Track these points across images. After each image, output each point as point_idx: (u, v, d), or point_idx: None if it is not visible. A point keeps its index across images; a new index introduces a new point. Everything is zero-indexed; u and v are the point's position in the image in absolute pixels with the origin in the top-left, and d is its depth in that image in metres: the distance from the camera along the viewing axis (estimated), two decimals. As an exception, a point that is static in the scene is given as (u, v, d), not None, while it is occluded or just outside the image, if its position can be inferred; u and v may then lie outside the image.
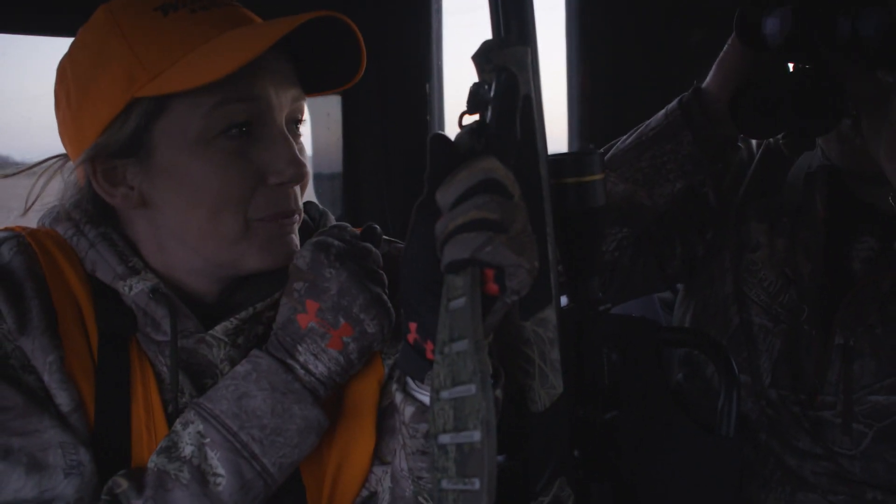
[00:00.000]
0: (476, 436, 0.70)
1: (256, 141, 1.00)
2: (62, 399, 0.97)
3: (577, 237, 0.93)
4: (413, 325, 0.83)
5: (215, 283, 1.07)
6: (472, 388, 0.71)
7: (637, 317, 1.17)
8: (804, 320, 1.46)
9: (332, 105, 2.07)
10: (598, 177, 0.92)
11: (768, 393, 1.47)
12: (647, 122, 1.46)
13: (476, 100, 0.82)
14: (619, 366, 0.99)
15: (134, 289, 1.02)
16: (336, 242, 1.02)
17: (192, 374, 1.04)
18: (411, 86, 2.15)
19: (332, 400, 1.04)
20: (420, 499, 0.91)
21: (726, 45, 1.39)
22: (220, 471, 0.94)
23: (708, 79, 1.41)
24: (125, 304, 1.03)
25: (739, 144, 1.59)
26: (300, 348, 0.99)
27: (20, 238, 1.04)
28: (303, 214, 1.07)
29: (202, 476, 0.94)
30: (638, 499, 1.07)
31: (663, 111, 1.44)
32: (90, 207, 1.06)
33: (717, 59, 1.40)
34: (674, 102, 1.43)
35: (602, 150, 1.51)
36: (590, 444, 0.98)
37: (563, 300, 0.97)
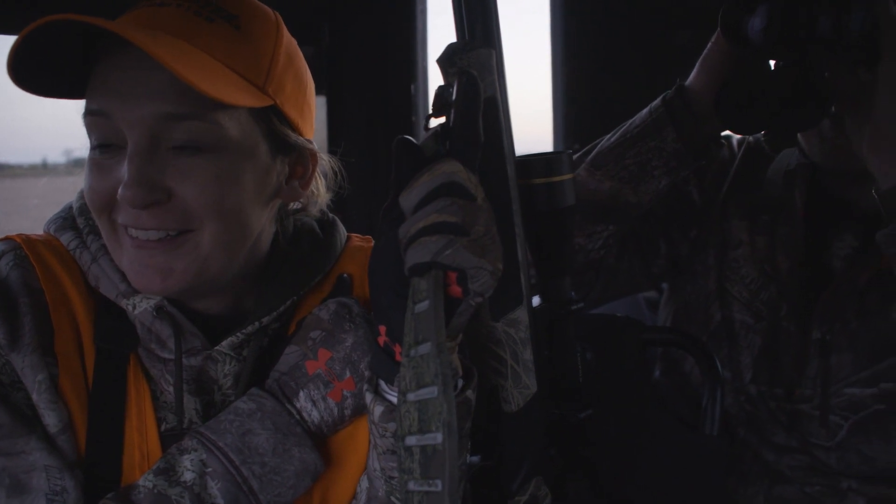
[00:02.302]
0: (438, 437, 0.70)
1: (123, 158, 0.94)
2: (50, 420, 0.96)
3: (547, 236, 0.94)
4: (383, 328, 0.83)
5: (215, 299, 1.06)
6: (434, 391, 0.71)
7: (621, 316, 1.17)
8: (783, 316, 1.46)
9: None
10: (566, 176, 0.92)
11: (748, 389, 1.48)
12: (632, 120, 1.46)
13: (440, 102, 0.83)
14: (593, 365, 0.99)
15: (138, 307, 1.00)
16: (357, 306, 1.01)
17: (196, 391, 1.03)
18: (396, 86, 2.15)
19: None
20: (392, 498, 0.91)
21: (710, 43, 1.40)
22: (220, 501, 0.94)
23: (692, 76, 1.42)
24: (128, 319, 1.02)
25: (723, 143, 1.59)
26: (301, 394, 0.99)
27: (18, 251, 1.02)
28: (183, 232, 0.96)
29: None
30: (617, 497, 1.07)
31: (647, 109, 1.44)
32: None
33: (701, 57, 1.41)
34: (657, 100, 1.43)
35: (587, 148, 1.51)
36: (566, 442, 0.98)
37: (536, 300, 0.98)
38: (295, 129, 1.04)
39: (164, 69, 0.85)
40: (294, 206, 1.15)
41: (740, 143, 1.63)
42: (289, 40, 1.04)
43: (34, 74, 0.93)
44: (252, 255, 1.04)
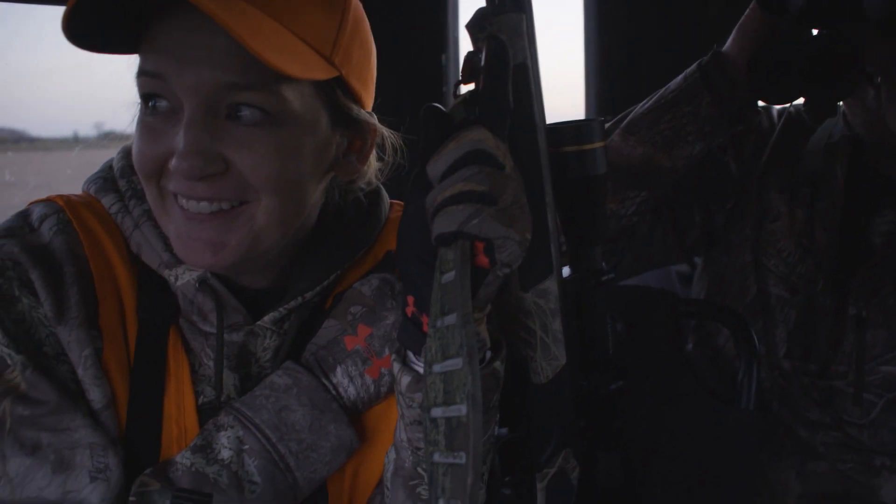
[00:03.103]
0: (463, 409, 0.69)
1: (178, 122, 0.90)
2: (95, 395, 0.94)
3: (577, 206, 0.92)
4: (411, 299, 0.82)
5: (260, 273, 1.04)
6: (459, 363, 0.70)
7: (656, 288, 1.15)
8: (820, 291, 1.44)
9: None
10: (598, 145, 0.90)
11: (782, 363, 1.46)
12: (667, 86, 1.45)
13: (470, 69, 0.81)
14: (624, 336, 0.98)
15: (181, 279, 0.98)
16: (400, 284, 0.99)
17: (236, 366, 1.01)
18: (427, 57, 2.13)
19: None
20: (419, 469, 0.91)
21: (747, 10, 1.38)
22: (257, 479, 0.93)
23: (728, 42, 1.40)
24: (169, 289, 1.00)
25: (759, 110, 1.56)
26: (338, 369, 0.98)
27: (61, 214, 0.99)
28: (242, 207, 0.94)
29: (239, 482, 0.93)
30: (648, 470, 1.06)
31: (682, 75, 1.42)
32: (137, 178, 0.98)
33: (738, 24, 1.39)
34: (693, 66, 1.41)
35: (621, 115, 1.50)
36: (595, 414, 0.97)
37: (566, 270, 0.96)
38: (358, 101, 1.00)
39: (228, 33, 0.82)
40: (349, 177, 1.10)
41: (780, 113, 1.60)
42: (356, 5, 1.00)
43: (89, 31, 0.88)
44: (300, 228, 1.02)
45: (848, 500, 1.44)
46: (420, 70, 2.10)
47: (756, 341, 1.17)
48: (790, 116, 1.58)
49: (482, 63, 0.78)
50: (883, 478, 1.42)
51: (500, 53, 0.77)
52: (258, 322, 1.01)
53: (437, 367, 0.73)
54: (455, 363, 0.71)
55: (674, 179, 1.45)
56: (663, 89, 1.44)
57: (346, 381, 0.98)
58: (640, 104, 1.47)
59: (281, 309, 1.00)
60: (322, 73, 0.92)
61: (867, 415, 1.41)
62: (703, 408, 1.07)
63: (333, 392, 0.98)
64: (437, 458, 0.72)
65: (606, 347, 0.96)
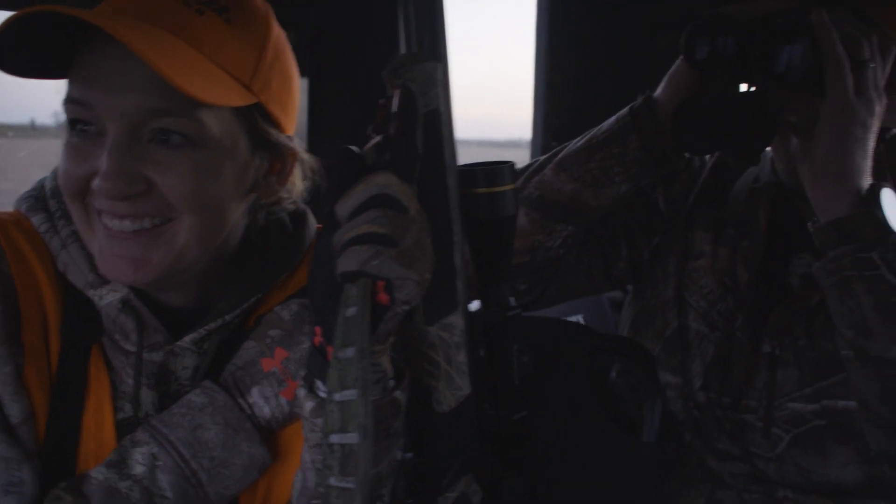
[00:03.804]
0: (355, 438, 0.73)
1: (102, 144, 0.95)
2: (12, 411, 0.97)
3: (487, 244, 0.96)
4: (318, 329, 0.86)
5: (182, 291, 1.07)
6: (354, 394, 0.74)
7: (572, 322, 1.20)
8: (737, 328, 1.49)
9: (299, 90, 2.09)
10: (508, 187, 0.95)
11: (697, 395, 1.51)
12: (600, 125, 1.49)
13: (382, 115, 0.85)
14: (531, 368, 1.02)
15: (104, 299, 1.02)
16: None
17: (155, 385, 1.04)
18: (379, 73, 2.15)
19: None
20: (321, 489, 0.94)
21: (678, 60, 1.42)
22: (168, 494, 0.97)
23: (659, 88, 1.45)
24: (94, 308, 1.03)
25: (684, 156, 1.61)
26: (254, 390, 1.02)
27: None
28: (163, 224, 0.98)
29: (151, 497, 0.97)
30: (552, 496, 1.11)
31: (615, 117, 1.47)
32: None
33: (669, 72, 1.44)
34: (625, 109, 1.46)
35: (556, 150, 1.54)
36: (501, 442, 1.01)
37: (476, 304, 1.01)
38: (277, 126, 1.05)
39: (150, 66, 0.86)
40: (269, 199, 1.15)
41: (711, 155, 1.65)
42: (278, 34, 1.05)
43: (17, 58, 0.93)
44: (222, 247, 1.06)
45: None
46: (373, 85, 2.11)
47: (658, 378, 1.22)
48: (720, 158, 1.63)
49: (393, 110, 0.82)
50: None
51: (409, 103, 0.81)
52: (178, 342, 1.04)
53: (336, 396, 0.77)
54: (351, 394, 0.75)
55: (600, 216, 1.50)
56: (596, 129, 1.48)
57: (262, 402, 1.02)
58: (574, 141, 1.51)
59: (201, 330, 1.04)
60: (240, 99, 0.97)
61: (774, 448, 1.46)
62: (609, 438, 1.12)
63: (248, 411, 1.02)
64: (332, 481, 0.76)
65: (512, 378, 1.01)
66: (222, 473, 0.99)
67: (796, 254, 1.50)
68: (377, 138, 0.84)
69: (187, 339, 1.04)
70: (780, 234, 1.51)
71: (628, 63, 2.29)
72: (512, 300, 1.00)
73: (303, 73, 2.15)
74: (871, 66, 1.27)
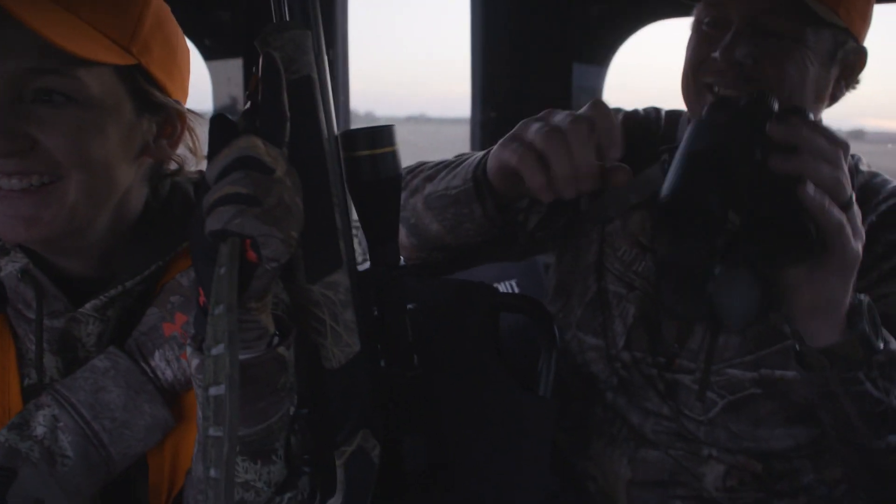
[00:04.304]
0: (222, 389, 0.77)
1: None
2: None
3: (372, 205, 1.00)
4: (200, 290, 0.89)
5: (81, 258, 1.10)
6: (222, 348, 0.78)
7: (475, 282, 1.23)
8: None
9: (232, 68, 2.12)
10: (389, 149, 0.98)
11: (621, 355, 1.53)
12: (455, 169, 1.40)
13: (255, 83, 0.88)
14: (425, 326, 1.05)
15: (4, 270, 1.06)
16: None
17: (58, 350, 1.08)
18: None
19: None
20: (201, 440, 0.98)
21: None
22: (69, 453, 1.01)
23: (489, 162, 1.32)
24: None
25: (539, 209, 1.54)
26: (157, 354, 1.06)
27: None
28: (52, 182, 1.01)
29: (51, 456, 1.01)
30: (452, 451, 1.15)
31: (465, 170, 1.36)
32: None
33: (496, 153, 1.29)
34: (470, 170, 1.35)
35: (426, 168, 1.49)
36: (397, 398, 1.05)
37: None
38: (162, 90, 1.09)
39: (26, 27, 0.91)
40: (171, 167, 1.19)
41: (626, 117, 1.65)
42: (159, 6, 1.09)
43: None
44: (120, 213, 1.09)
45: (674, 486, 1.51)
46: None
47: (556, 333, 1.25)
48: (635, 120, 1.64)
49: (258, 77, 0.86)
50: (710, 466, 1.50)
51: (272, 67, 0.84)
52: (80, 309, 1.08)
53: (213, 351, 0.81)
54: (219, 348, 0.79)
55: (471, 253, 1.46)
56: (453, 172, 1.40)
57: (164, 365, 1.06)
58: (439, 169, 1.45)
59: (102, 297, 1.07)
60: (116, 58, 1.01)
61: (707, 412, 1.48)
62: (504, 395, 1.15)
63: (151, 374, 1.05)
64: (210, 432, 0.80)
65: (406, 335, 1.04)
66: (124, 434, 1.03)
67: None
68: (246, 106, 0.88)
69: (88, 306, 1.07)
70: None
71: (562, 31, 2.31)
72: (401, 259, 1.03)
73: (237, 53, 2.18)
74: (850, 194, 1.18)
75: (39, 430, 1.01)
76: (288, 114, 0.86)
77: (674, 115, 1.64)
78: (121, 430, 1.03)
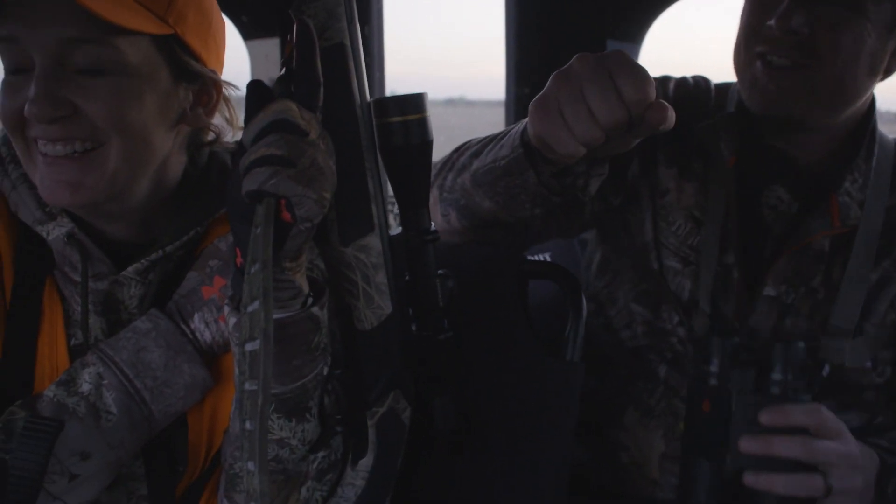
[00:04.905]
0: (257, 344, 0.80)
1: (32, 78, 1.02)
2: None
3: (403, 171, 1.02)
4: (238, 251, 0.92)
5: (124, 223, 1.14)
6: (257, 304, 0.81)
7: (504, 251, 1.25)
8: (720, 262, 1.48)
9: (270, 47, 2.14)
10: (419, 115, 1.00)
11: (677, 330, 1.52)
12: (502, 140, 1.31)
13: (290, 50, 0.91)
14: (456, 291, 1.08)
15: (51, 234, 1.10)
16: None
17: (103, 312, 1.12)
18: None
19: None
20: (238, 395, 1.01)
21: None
22: (113, 409, 1.05)
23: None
24: (46, 244, 1.11)
25: (601, 171, 1.33)
26: (196, 316, 1.10)
27: None
28: (94, 149, 1.04)
29: (96, 412, 1.05)
30: (481, 413, 1.17)
31: (512, 138, 1.26)
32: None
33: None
34: (518, 134, 1.24)
35: (469, 145, 1.42)
36: (428, 361, 1.07)
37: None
38: (198, 59, 1.12)
39: None
40: (209, 137, 1.22)
41: (676, 85, 1.61)
42: None
43: None
44: (160, 180, 1.13)
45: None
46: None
47: (583, 299, 1.26)
48: (686, 90, 1.60)
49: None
50: None
51: (306, 34, 0.87)
52: (123, 272, 1.11)
53: (249, 308, 0.84)
54: (255, 304, 0.82)
55: (532, 227, 1.39)
56: (499, 143, 1.31)
57: (203, 327, 1.09)
58: (484, 144, 1.36)
59: (143, 261, 1.11)
60: (153, 27, 1.04)
61: None
62: (535, 359, 1.18)
63: (190, 336, 1.09)
64: (246, 386, 0.83)
65: (436, 300, 1.06)
66: (165, 392, 1.07)
67: (767, 185, 1.49)
68: (283, 71, 0.90)
69: (131, 270, 1.11)
70: (749, 166, 1.50)
71: (594, 8, 2.30)
72: (432, 225, 1.06)
73: (275, 32, 2.21)
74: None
75: (85, 387, 1.05)
76: (321, 79, 0.88)
77: (722, 87, 1.61)
78: (161, 388, 1.07)
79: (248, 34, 2.23)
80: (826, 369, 1.44)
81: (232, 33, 2.34)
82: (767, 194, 1.49)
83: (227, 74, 1.20)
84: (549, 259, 1.99)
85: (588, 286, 1.68)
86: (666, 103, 1.06)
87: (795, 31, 1.33)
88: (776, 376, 1.30)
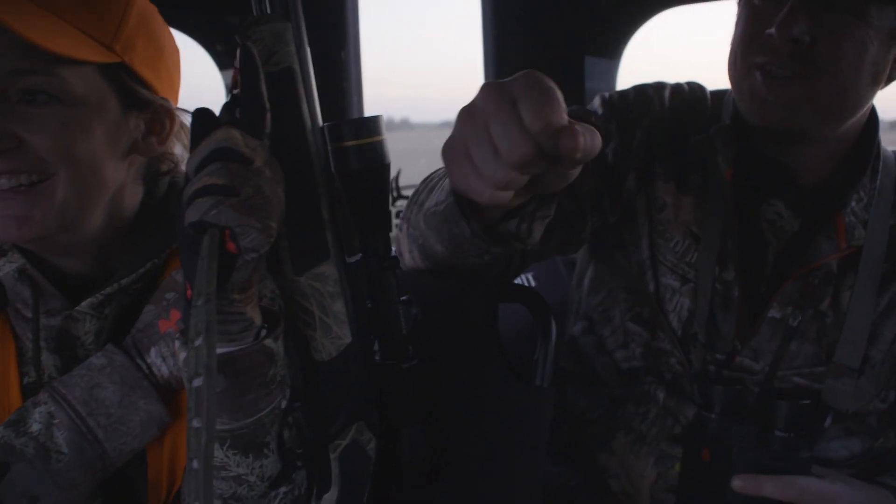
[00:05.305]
0: (200, 380, 0.77)
1: None
2: None
3: (361, 195, 0.99)
4: (188, 284, 0.90)
5: (78, 256, 1.12)
6: (200, 339, 0.78)
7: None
8: (719, 279, 1.44)
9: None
10: (376, 138, 0.98)
11: (675, 351, 1.47)
12: (439, 183, 1.15)
13: (235, 76, 0.89)
14: (418, 318, 1.05)
15: (2, 270, 1.08)
16: None
17: (56, 349, 1.09)
18: (326, 52, 2.20)
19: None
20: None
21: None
22: (64, 449, 1.02)
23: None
24: None
25: (545, 212, 1.08)
26: (153, 350, 1.07)
27: None
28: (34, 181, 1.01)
29: (46, 452, 1.02)
30: (451, 443, 1.14)
31: (447, 182, 1.07)
32: None
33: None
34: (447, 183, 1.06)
35: (427, 181, 1.28)
36: (393, 390, 1.04)
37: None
38: (149, 87, 1.09)
39: (8, 29, 0.92)
40: (166, 166, 1.20)
41: (671, 95, 1.57)
42: (143, 4, 1.10)
43: None
44: (115, 212, 1.11)
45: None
46: (319, 65, 2.14)
47: (553, 323, 1.23)
48: (682, 98, 1.55)
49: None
50: None
51: (249, 59, 0.85)
52: (76, 308, 1.08)
53: (196, 342, 0.81)
54: (201, 339, 0.79)
55: (494, 271, 1.25)
56: (441, 186, 1.12)
57: (160, 361, 1.06)
58: (441, 178, 1.17)
59: (98, 295, 1.08)
60: (98, 56, 1.02)
61: None
62: (506, 385, 1.15)
63: (146, 371, 1.06)
64: (193, 423, 0.81)
65: (399, 327, 1.03)
66: (119, 430, 1.04)
67: (765, 199, 1.45)
68: (228, 98, 0.88)
69: (85, 304, 1.08)
70: (747, 179, 1.45)
71: (573, 19, 2.28)
72: (392, 250, 1.03)
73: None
74: None
75: (35, 427, 1.02)
76: (267, 105, 0.86)
77: (717, 94, 1.57)
78: (116, 425, 1.04)
79: (222, 64, 2.22)
80: (829, 420, 1.41)
81: (208, 63, 2.32)
82: (766, 209, 1.45)
83: (202, 104, 1.18)
84: (531, 279, 1.97)
85: (579, 303, 1.64)
86: (581, 128, 0.82)
87: (796, 40, 1.28)
88: (779, 434, 1.28)
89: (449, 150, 0.92)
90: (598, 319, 1.57)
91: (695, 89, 1.58)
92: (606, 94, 1.58)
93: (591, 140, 0.83)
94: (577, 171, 0.91)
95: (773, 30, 1.29)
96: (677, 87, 1.58)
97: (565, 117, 0.83)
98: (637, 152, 1.51)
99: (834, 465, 1.41)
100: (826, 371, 1.40)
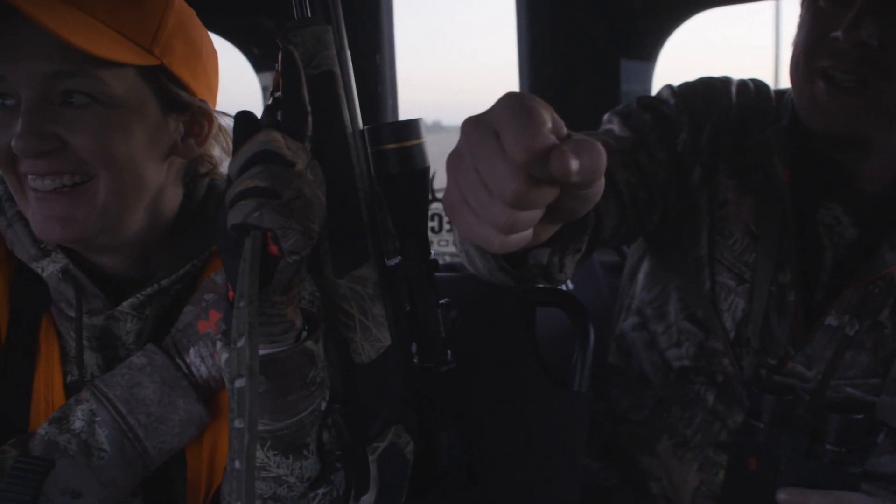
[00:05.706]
0: (243, 381, 0.78)
1: (18, 113, 1.01)
2: None
3: (401, 198, 0.99)
4: (230, 285, 0.90)
5: (119, 256, 1.13)
6: (243, 340, 0.79)
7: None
8: (777, 282, 1.41)
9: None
10: (416, 142, 0.97)
11: (728, 352, 1.44)
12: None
13: (278, 78, 0.89)
14: (459, 322, 1.05)
15: (46, 270, 1.10)
16: None
17: (98, 347, 1.11)
18: (362, 56, 2.21)
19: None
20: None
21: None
22: (106, 447, 1.04)
23: None
24: (43, 280, 1.11)
25: (576, 249, 1.01)
26: (192, 350, 1.08)
27: None
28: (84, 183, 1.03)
29: (88, 449, 1.03)
30: (489, 446, 1.14)
31: None
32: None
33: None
34: None
35: None
36: (432, 393, 1.05)
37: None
38: (188, 90, 1.11)
39: (50, 32, 0.93)
40: (205, 168, 1.21)
41: (738, 91, 1.54)
42: (181, 7, 1.11)
43: None
44: (155, 213, 1.12)
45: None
46: (356, 69, 2.15)
47: (590, 328, 1.22)
48: (748, 96, 1.53)
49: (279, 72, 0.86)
50: None
51: (291, 62, 0.85)
52: (118, 307, 1.10)
53: (238, 344, 0.82)
54: (243, 341, 0.80)
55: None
56: None
57: (199, 362, 1.07)
58: None
59: (139, 295, 1.10)
60: (137, 59, 1.03)
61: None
62: (543, 388, 1.14)
63: (185, 371, 1.07)
64: (235, 423, 0.81)
65: (438, 330, 1.03)
66: (159, 429, 1.05)
67: (822, 203, 1.41)
68: (270, 101, 0.88)
69: (126, 305, 1.10)
70: (804, 180, 1.41)
71: (607, 24, 2.27)
72: (432, 253, 1.03)
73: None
74: None
75: (77, 424, 1.03)
76: (309, 108, 0.86)
77: (780, 93, 1.54)
78: (156, 424, 1.05)
79: (259, 66, 2.24)
80: (881, 437, 1.36)
81: (244, 66, 2.34)
82: (823, 213, 1.42)
83: (239, 107, 1.19)
84: (569, 283, 1.96)
85: (632, 298, 1.61)
86: (573, 146, 0.68)
87: (864, 43, 1.24)
88: (830, 447, 1.25)
89: (448, 201, 0.79)
90: (652, 316, 1.55)
91: (760, 87, 1.55)
92: (675, 85, 1.56)
93: (588, 158, 0.69)
94: (599, 189, 0.77)
95: (838, 33, 1.25)
96: (743, 84, 1.55)
97: (551, 138, 0.70)
98: (705, 147, 1.49)
99: (883, 480, 1.39)
100: (882, 385, 1.36)
